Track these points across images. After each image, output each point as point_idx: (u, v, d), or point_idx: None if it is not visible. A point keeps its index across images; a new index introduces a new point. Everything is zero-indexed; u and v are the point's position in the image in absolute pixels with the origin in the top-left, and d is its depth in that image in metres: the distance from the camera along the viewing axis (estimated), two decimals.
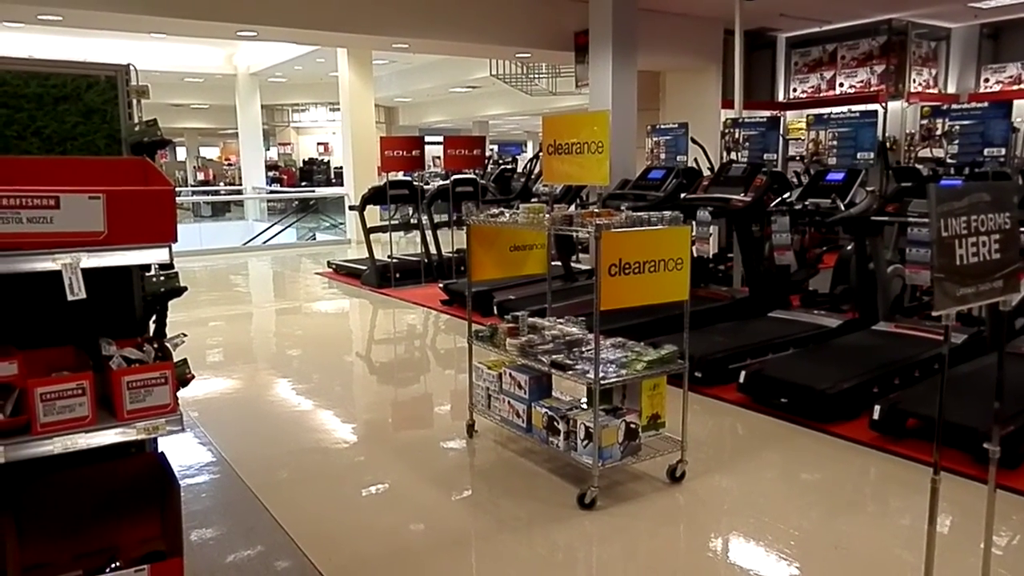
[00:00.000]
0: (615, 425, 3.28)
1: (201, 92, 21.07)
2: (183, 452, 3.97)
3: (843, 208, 5.51)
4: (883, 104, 10.51)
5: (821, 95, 11.50)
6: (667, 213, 3.29)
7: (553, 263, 5.02)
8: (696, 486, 3.50)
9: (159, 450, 2.09)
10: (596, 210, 3.38)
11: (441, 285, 8.04)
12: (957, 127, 5.16)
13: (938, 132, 5.28)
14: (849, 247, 7.62)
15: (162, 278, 2.06)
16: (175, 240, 1.70)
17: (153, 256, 1.66)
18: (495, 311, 6.83)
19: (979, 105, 5.13)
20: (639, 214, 3.23)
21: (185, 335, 2.00)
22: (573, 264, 8.57)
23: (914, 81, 11.08)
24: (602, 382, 3.20)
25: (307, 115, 24.85)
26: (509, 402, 3.76)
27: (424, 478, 3.68)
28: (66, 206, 1.63)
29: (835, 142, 5.94)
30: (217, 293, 9.46)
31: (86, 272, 1.61)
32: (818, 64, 11.58)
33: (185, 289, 2.08)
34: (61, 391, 1.74)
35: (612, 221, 3.13)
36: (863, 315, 5.78)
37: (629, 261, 3.13)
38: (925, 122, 5.39)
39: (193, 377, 2.01)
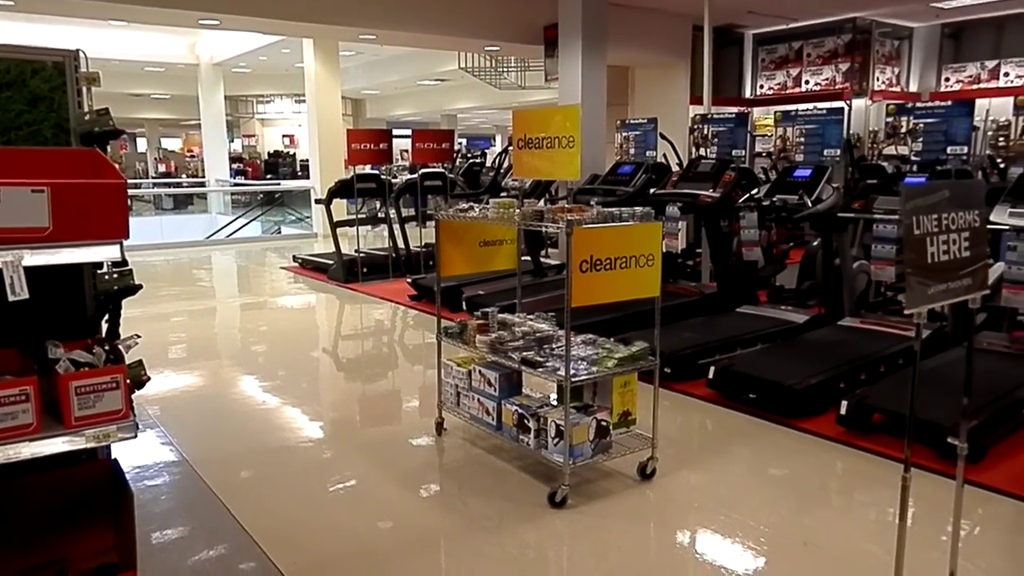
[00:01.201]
0: (586, 423, 3.25)
1: (162, 82, 20.62)
2: (143, 452, 3.85)
3: (810, 204, 5.55)
4: (847, 102, 10.63)
5: (787, 92, 11.61)
6: (638, 209, 3.26)
7: (522, 258, 4.97)
8: (666, 483, 3.49)
9: (112, 456, 1.95)
10: (567, 205, 3.34)
11: (409, 280, 7.95)
12: (921, 125, 5.22)
13: (902, 130, 5.33)
14: (815, 243, 7.71)
15: (115, 275, 1.94)
16: (126, 236, 1.60)
17: (103, 253, 1.55)
18: (464, 307, 6.77)
19: (942, 104, 5.20)
20: (610, 210, 3.19)
21: (139, 336, 1.90)
22: (542, 259, 8.54)
23: (877, 79, 11.24)
24: (573, 379, 3.17)
25: (272, 107, 24.46)
26: (479, 399, 3.71)
27: (392, 476, 3.62)
28: (6, 200, 1.52)
29: (802, 138, 5.98)
30: (179, 288, 9.24)
31: (31, 270, 1.50)
32: (784, 61, 11.69)
33: (139, 287, 1.97)
34: (3, 397, 1.64)
35: (583, 217, 3.09)
36: (829, 311, 5.83)
37: (600, 258, 3.10)
38: (890, 120, 5.45)
39: (149, 379, 1.91)
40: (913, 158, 5.25)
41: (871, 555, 2.88)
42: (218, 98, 17.51)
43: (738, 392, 4.52)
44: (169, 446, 3.95)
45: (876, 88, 11.19)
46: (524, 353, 3.43)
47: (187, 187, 22.09)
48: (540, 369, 3.30)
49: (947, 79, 11.33)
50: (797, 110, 6.07)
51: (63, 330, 1.89)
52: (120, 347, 1.80)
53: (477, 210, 3.64)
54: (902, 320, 5.35)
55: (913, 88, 11.59)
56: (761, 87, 12.04)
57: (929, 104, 5.28)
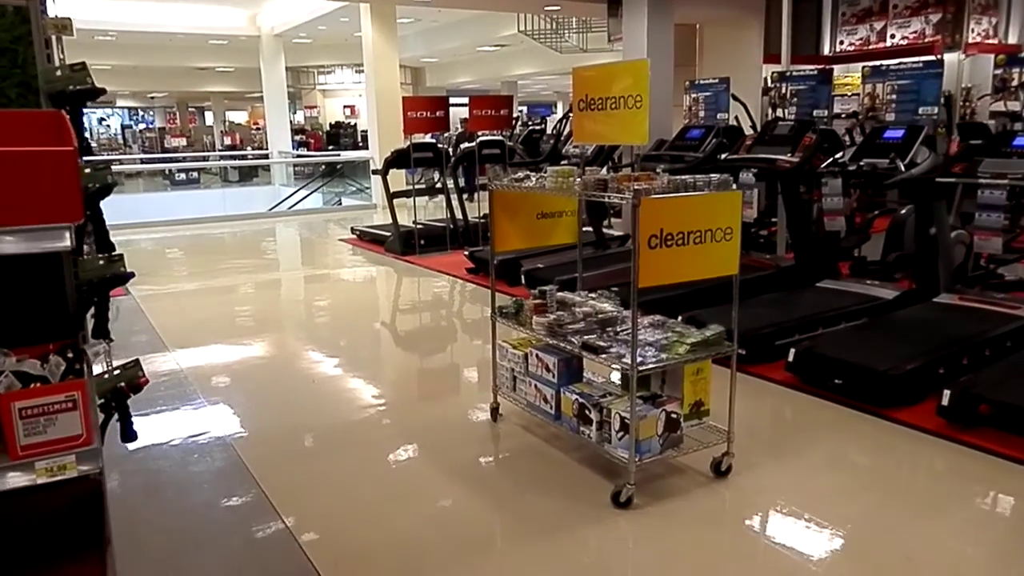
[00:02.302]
0: (654, 416, 2.93)
1: (226, 55, 20.77)
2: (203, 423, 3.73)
3: (903, 169, 5.02)
4: (938, 56, 9.79)
5: (870, 47, 10.80)
6: (714, 176, 2.89)
7: (584, 229, 4.63)
8: (743, 481, 3.15)
9: (100, 470, 1.57)
10: (633, 173, 2.98)
11: (466, 252, 7.69)
12: None
13: (1014, 83, 4.74)
14: (903, 211, 7.11)
15: (101, 262, 1.68)
16: (79, 219, 1.31)
17: (46, 242, 1.26)
18: (523, 281, 6.48)
19: None
20: (682, 178, 2.83)
21: (111, 339, 1.67)
22: (605, 230, 8.16)
23: (972, 31, 10.32)
24: (640, 368, 2.84)
25: (333, 77, 24.47)
26: (536, 386, 3.43)
27: (444, 465, 3.38)
28: None
29: (894, 96, 5.42)
30: (239, 260, 9.23)
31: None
32: (868, 14, 10.84)
33: (131, 275, 1.72)
34: None
35: (652, 186, 2.74)
36: (921, 286, 5.31)
37: (671, 232, 2.75)
38: (999, 72, 4.85)
39: (147, 381, 1.68)
40: None
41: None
42: (279, 69, 17.52)
43: (822, 377, 4.12)
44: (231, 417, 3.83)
45: (970, 41, 10.28)
46: (585, 337, 3.13)
47: (251, 159, 22.31)
48: (603, 356, 2.98)
49: None
50: (888, 65, 5.50)
51: (39, 329, 1.63)
52: (90, 351, 1.55)
53: (534, 179, 3.32)
54: (1008, 297, 4.81)
55: (1013, 39, 10.61)
56: (841, 43, 11.22)
57: None
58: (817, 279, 5.70)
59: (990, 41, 10.48)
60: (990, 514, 2.95)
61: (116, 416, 1.72)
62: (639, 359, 2.86)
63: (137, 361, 1.67)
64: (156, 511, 3.04)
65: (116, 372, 1.68)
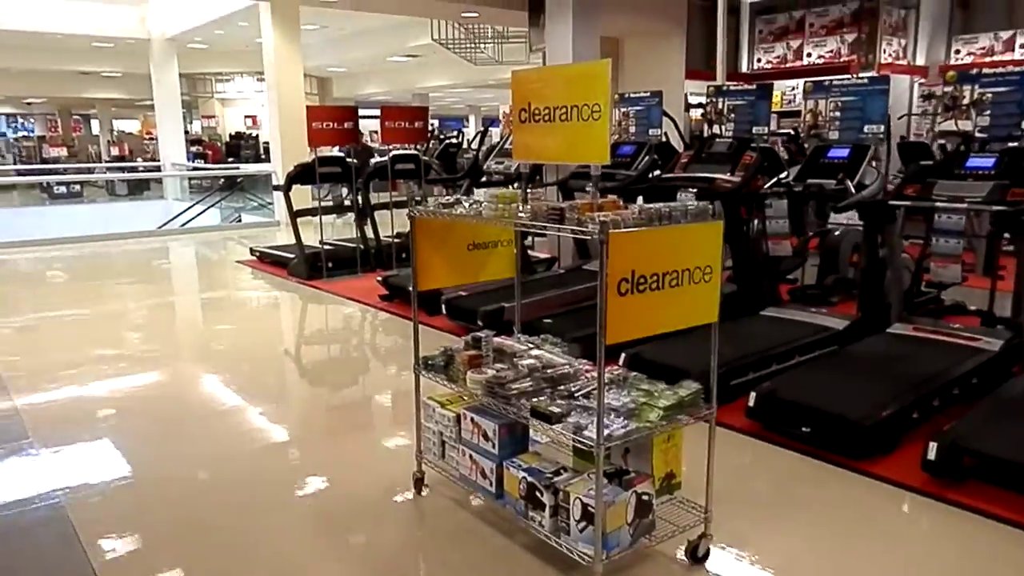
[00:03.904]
0: (623, 500, 2.36)
1: (112, 58, 19.19)
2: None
3: (853, 190, 4.70)
4: (854, 76, 9.82)
5: (787, 66, 10.78)
6: (691, 204, 2.37)
7: None
8: (725, 567, 2.62)
9: None
10: (594, 200, 2.43)
11: (379, 278, 6.99)
12: (989, 95, 4.38)
13: (964, 102, 4.49)
14: (837, 232, 6.90)
15: None
16: None
17: None
18: (444, 310, 5.85)
19: (1017, 69, 4.36)
20: (656, 206, 2.29)
21: None
22: (529, 252, 7.64)
23: (884, 52, 10.44)
24: (607, 444, 2.27)
25: (232, 85, 23.14)
26: (471, 456, 2.81)
27: (355, 558, 2.71)
28: None
29: (837, 113, 5.12)
30: (111, 286, 8.18)
31: None
32: (784, 32, 10.84)
33: None
34: None
35: (621, 216, 2.18)
36: (869, 314, 5.00)
37: (644, 274, 2.20)
38: (949, 89, 4.60)
39: None
40: (978, 135, 4.41)
41: None
42: (172, 76, 16.27)
43: (787, 424, 3.67)
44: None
45: (882, 61, 10.39)
46: (535, 400, 2.53)
47: (141, 172, 20.74)
48: (559, 426, 2.40)
49: (957, 51, 10.55)
50: (832, 80, 5.20)
51: None
52: None
53: (467, 205, 2.71)
54: (963, 329, 4.54)
55: (920, 61, 10.80)
56: (758, 61, 11.19)
57: (1000, 70, 4.43)
58: (760, 307, 5.32)
59: (900, 62, 10.63)
60: None
61: None
62: (605, 431, 2.29)
63: None
64: None
65: None
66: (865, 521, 2.96)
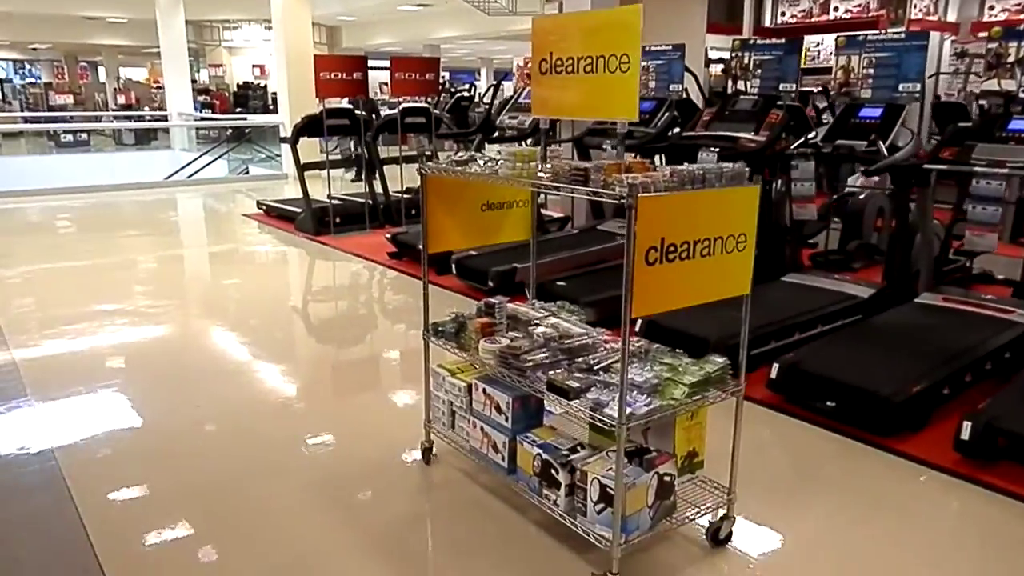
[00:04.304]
0: (644, 482, 2.22)
1: (116, 3, 18.76)
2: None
3: (886, 152, 4.47)
4: (883, 32, 9.45)
5: (812, 20, 10.39)
6: (726, 166, 2.18)
7: None
8: (747, 550, 2.50)
9: None
10: (623, 160, 2.24)
11: (388, 235, 6.81)
12: None
13: (1009, 59, 4.23)
14: (862, 196, 6.66)
15: None
16: None
17: None
18: (453, 270, 5.69)
19: None
20: (688, 168, 2.10)
21: None
22: (542, 211, 7.43)
23: (914, 6, 10.03)
24: (630, 422, 2.13)
25: (240, 33, 22.65)
26: (482, 428, 2.68)
27: (359, 531, 2.60)
28: None
29: (871, 70, 4.86)
30: (114, 238, 8.04)
31: None
32: None
33: None
34: None
35: (651, 179, 2.00)
36: (894, 283, 4.81)
37: (675, 242, 2.03)
38: (993, 46, 4.33)
39: None
40: (1023, 95, 4.16)
41: None
42: (178, 22, 15.88)
43: (811, 398, 3.53)
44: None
45: (912, 17, 9.99)
46: (551, 372, 2.38)
47: (147, 121, 20.45)
48: (577, 402, 2.25)
49: (991, 7, 10.13)
50: (866, 35, 4.93)
51: None
52: None
53: (482, 163, 2.53)
54: (995, 298, 4.35)
55: (952, 18, 10.40)
56: (782, 14, 10.78)
57: None
58: (782, 272, 5.13)
59: (931, 18, 10.23)
60: None
61: None
62: (628, 409, 2.14)
63: None
64: None
65: None
66: (893, 503, 2.82)
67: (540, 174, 2.31)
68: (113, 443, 3.27)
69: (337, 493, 2.87)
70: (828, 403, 3.45)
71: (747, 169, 2.20)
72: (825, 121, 5.60)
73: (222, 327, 5.04)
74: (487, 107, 8.18)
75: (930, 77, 8.57)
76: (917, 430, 3.31)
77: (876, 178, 4.65)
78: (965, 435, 3.01)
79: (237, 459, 3.16)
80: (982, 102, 4.84)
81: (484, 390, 2.65)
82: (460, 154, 2.70)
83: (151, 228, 8.89)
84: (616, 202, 1.97)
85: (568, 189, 2.16)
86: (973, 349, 3.74)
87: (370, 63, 8.23)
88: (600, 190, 2.03)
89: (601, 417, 2.17)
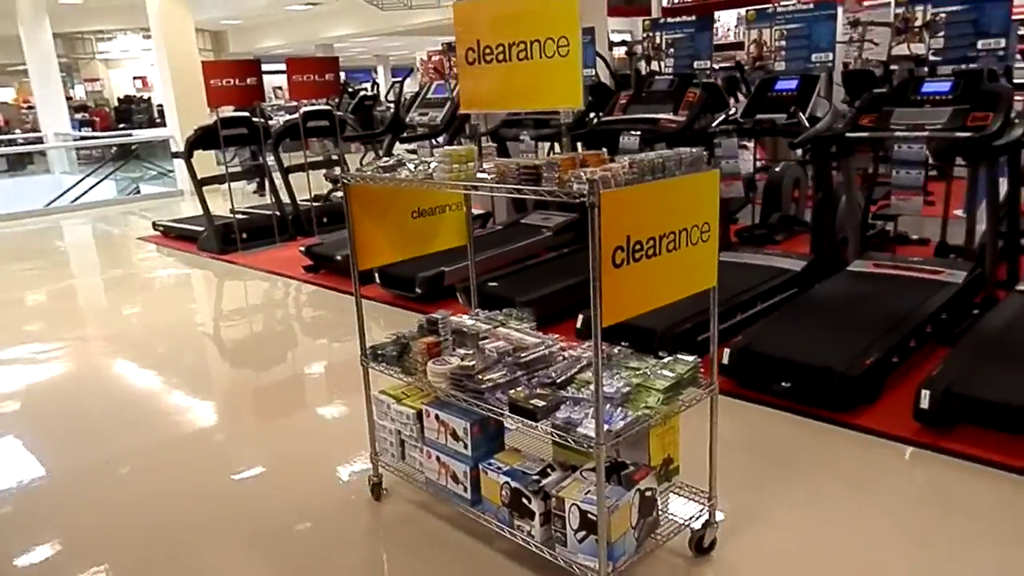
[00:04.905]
0: (627, 502, 2.04)
1: None
2: None
3: (807, 124, 4.46)
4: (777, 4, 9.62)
5: None
6: (683, 151, 2.01)
7: None
8: (734, 554, 2.36)
9: None
10: (575, 154, 2.04)
11: (302, 248, 6.42)
12: (942, 15, 4.17)
13: (916, 23, 4.27)
14: (778, 168, 6.73)
15: None
16: None
17: None
18: (376, 279, 5.39)
19: None
20: (647, 156, 1.92)
21: None
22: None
23: None
24: (607, 441, 1.93)
25: (116, 44, 21.30)
26: (438, 457, 2.43)
27: None
28: None
29: (783, 42, 4.85)
30: None
31: None
32: None
33: None
34: None
35: (612, 172, 1.80)
36: (823, 253, 4.82)
37: (641, 239, 1.84)
38: (900, 11, 4.37)
39: None
40: (932, 58, 4.21)
41: None
42: (45, 37, 14.72)
43: (765, 380, 3.45)
44: None
45: None
46: (512, 391, 2.17)
47: (19, 145, 18.95)
48: (544, 423, 2.04)
49: None
50: (775, 7, 4.91)
51: None
52: None
53: (413, 167, 2.28)
54: (923, 262, 4.41)
55: None
56: None
57: None
58: None
59: None
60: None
61: None
62: (604, 426, 1.94)
63: None
64: None
65: None
66: (869, 487, 2.75)
67: (481, 175, 2.08)
68: (14, 499, 2.86)
69: (272, 533, 2.57)
70: (783, 384, 3.38)
71: (705, 152, 2.04)
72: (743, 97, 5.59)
73: (127, 360, 4.58)
74: (394, 105, 7.85)
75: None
76: (872, 402, 3.28)
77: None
78: (924, 404, 2.98)
79: (158, 506, 2.81)
80: (893, 67, 4.90)
81: (437, 416, 2.41)
82: (385, 159, 2.44)
83: (37, 260, 8.14)
84: (575, 201, 1.76)
85: (516, 191, 1.94)
86: (913, 314, 3.76)
87: (263, 67, 7.76)
88: (556, 189, 1.82)
89: (578, 438, 1.96)
